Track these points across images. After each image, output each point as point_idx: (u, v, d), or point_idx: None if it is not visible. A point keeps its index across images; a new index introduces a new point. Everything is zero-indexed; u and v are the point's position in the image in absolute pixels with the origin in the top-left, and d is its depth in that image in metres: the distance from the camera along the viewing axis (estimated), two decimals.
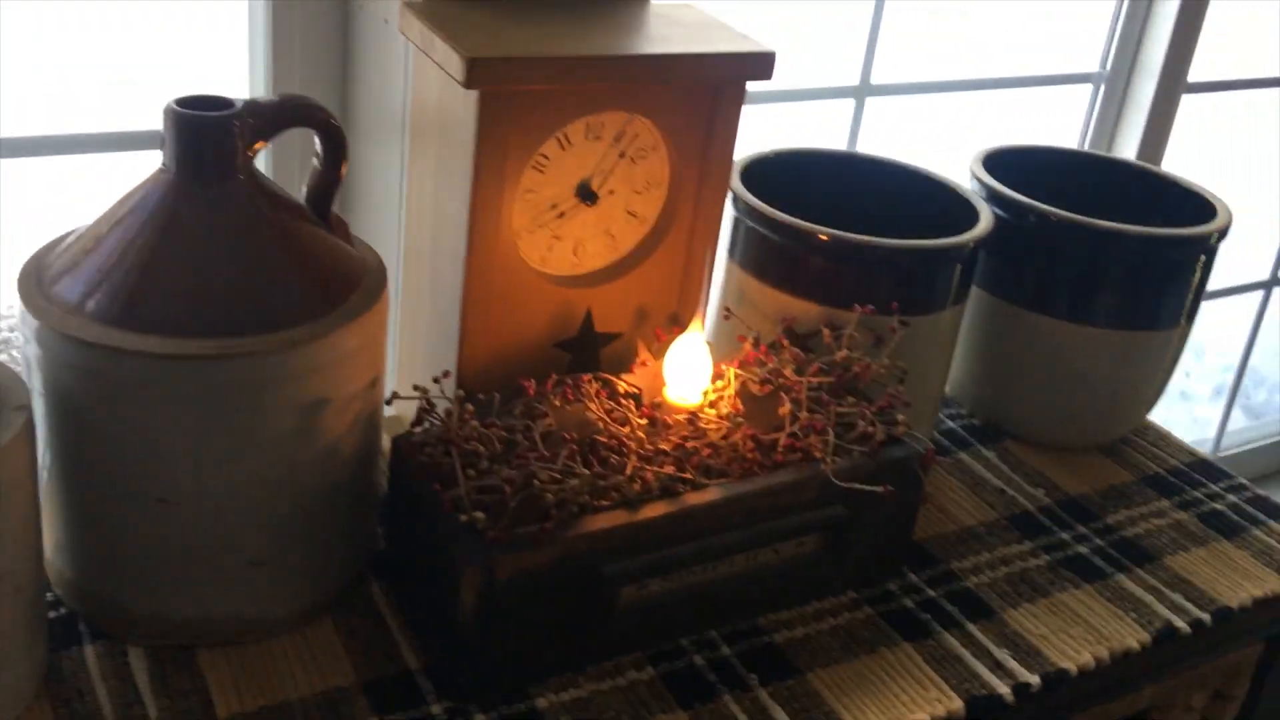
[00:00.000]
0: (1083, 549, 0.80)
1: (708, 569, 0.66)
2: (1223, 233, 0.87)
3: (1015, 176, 0.92)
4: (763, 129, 1.29)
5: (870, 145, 1.17)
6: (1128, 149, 1.31)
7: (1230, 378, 2.07)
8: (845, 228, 0.78)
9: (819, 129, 1.27)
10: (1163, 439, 0.94)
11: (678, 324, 0.77)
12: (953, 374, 0.95)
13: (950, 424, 0.93)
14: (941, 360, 0.84)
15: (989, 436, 0.92)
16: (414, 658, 0.64)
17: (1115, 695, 0.74)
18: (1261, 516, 0.86)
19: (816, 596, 0.72)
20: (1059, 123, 1.39)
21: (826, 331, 0.75)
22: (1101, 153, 0.99)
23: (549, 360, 0.75)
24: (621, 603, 0.63)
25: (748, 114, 1.19)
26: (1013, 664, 0.69)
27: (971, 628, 0.71)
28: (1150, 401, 0.93)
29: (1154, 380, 0.91)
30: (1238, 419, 1.68)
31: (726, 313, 0.81)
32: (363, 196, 0.85)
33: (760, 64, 0.71)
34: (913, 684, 0.67)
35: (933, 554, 0.78)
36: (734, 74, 0.71)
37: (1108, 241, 0.85)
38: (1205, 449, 1.58)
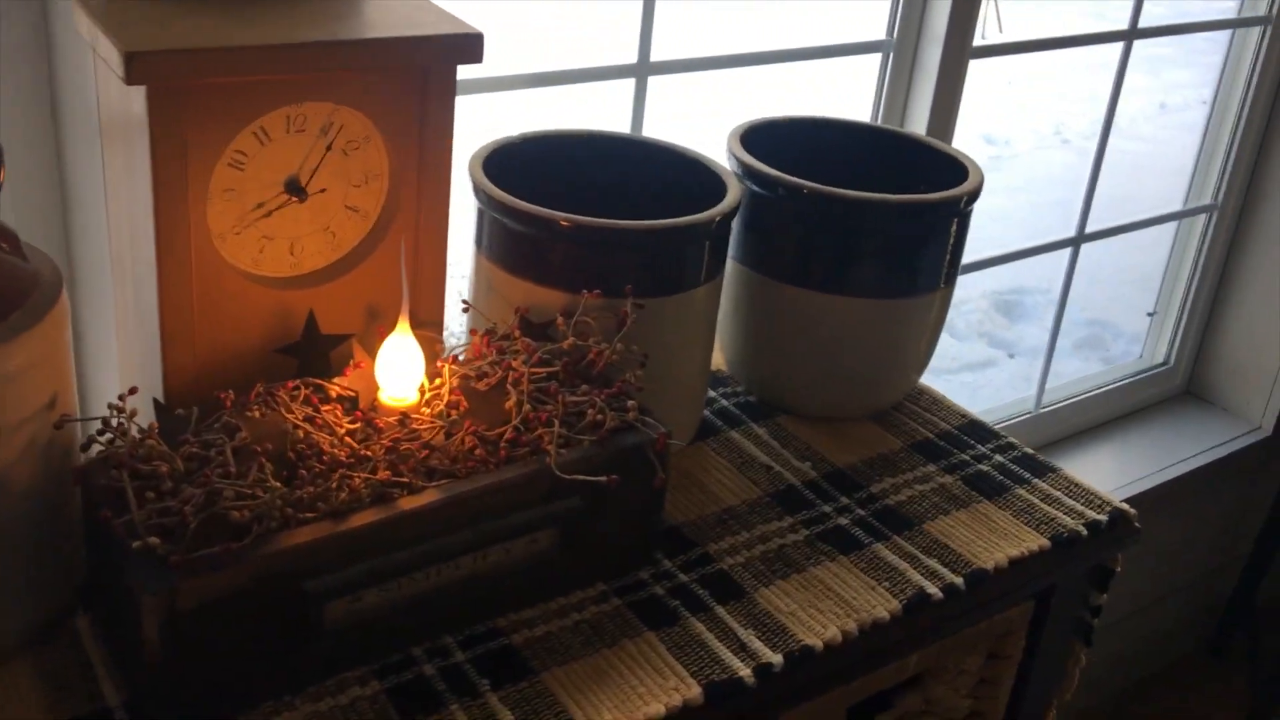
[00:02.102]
0: (843, 520, 0.80)
1: (431, 575, 0.63)
2: (973, 195, 0.87)
3: (779, 150, 0.91)
4: (546, 114, 1.27)
5: (658, 127, 1.15)
6: (919, 117, 1.32)
7: (1092, 331, 2.12)
8: (599, 211, 0.76)
9: (608, 112, 1.25)
10: (936, 403, 0.95)
11: (414, 322, 0.74)
12: (728, 352, 0.95)
13: (724, 402, 0.92)
14: (701, 338, 0.83)
15: (762, 413, 0.91)
16: (115, 694, 0.60)
17: (875, 666, 0.74)
18: (1026, 475, 0.87)
19: (561, 592, 0.70)
20: (856, 94, 1.40)
21: (560, 319, 0.73)
22: (863, 120, 0.99)
23: (274, 368, 0.71)
24: (332, 618, 0.60)
25: (527, 100, 1.16)
26: (757, 645, 0.68)
27: (720, 611, 0.70)
28: (918, 367, 0.93)
29: (919, 345, 0.91)
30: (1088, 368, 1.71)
31: (465, 305, 0.78)
32: (79, 205, 0.81)
33: (468, 46, 0.69)
34: (652, 675, 0.65)
35: (689, 538, 0.76)
36: (439, 57, 0.68)
37: (858, 211, 0.84)
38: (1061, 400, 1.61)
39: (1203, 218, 1.70)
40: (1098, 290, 2.18)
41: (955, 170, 0.91)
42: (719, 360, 0.95)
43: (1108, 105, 1.52)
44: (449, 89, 0.70)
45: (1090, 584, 0.87)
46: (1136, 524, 0.85)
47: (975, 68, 1.35)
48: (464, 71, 1.04)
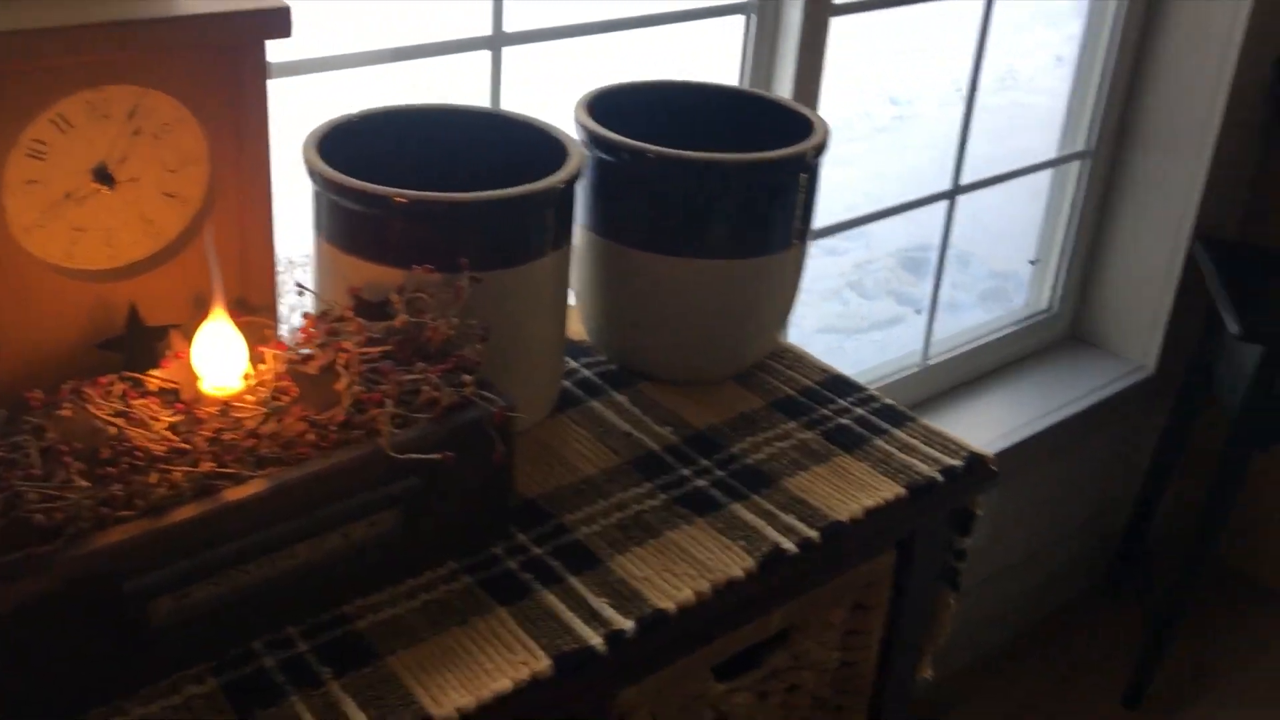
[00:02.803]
0: (702, 483, 0.80)
1: (264, 566, 0.62)
2: (818, 150, 0.87)
3: (631, 117, 0.90)
4: (408, 92, 1.24)
5: (522, 102, 1.13)
6: (785, 79, 1.32)
7: (996, 284, 2.15)
8: (446, 187, 0.75)
9: (476, 89, 1.23)
10: (799, 360, 0.95)
11: (245, 308, 0.73)
12: (587, 321, 0.94)
13: (586, 373, 0.91)
14: (551, 309, 0.82)
15: (624, 381, 0.90)
16: None
17: (735, 625, 0.74)
18: (885, 425, 0.88)
19: (408, 574, 0.69)
20: (723, 60, 1.39)
21: (395, 297, 0.72)
22: (710, 82, 0.98)
23: (100, 364, 0.69)
24: (159, 617, 0.58)
25: (379, 76, 1.14)
26: (610, 613, 0.68)
27: (574, 582, 0.70)
28: (777, 324, 0.93)
29: (776, 303, 0.91)
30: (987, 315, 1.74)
31: (300, 290, 0.76)
32: None
33: (274, 21, 0.67)
34: (501, 650, 0.64)
35: (545, 510, 0.76)
36: (245, 33, 0.66)
37: (703, 173, 0.84)
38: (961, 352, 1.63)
39: (1077, 165, 1.73)
40: (1005, 244, 2.21)
41: (805, 127, 0.91)
42: (580, 330, 0.94)
43: (973, 61, 1.53)
44: (259, 66, 0.68)
45: (953, 529, 0.88)
46: (993, 467, 0.86)
47: (877, 30, 1.35)
48: (313, 49, 1.02)
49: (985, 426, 1.60)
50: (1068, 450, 1.72)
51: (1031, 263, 1.80)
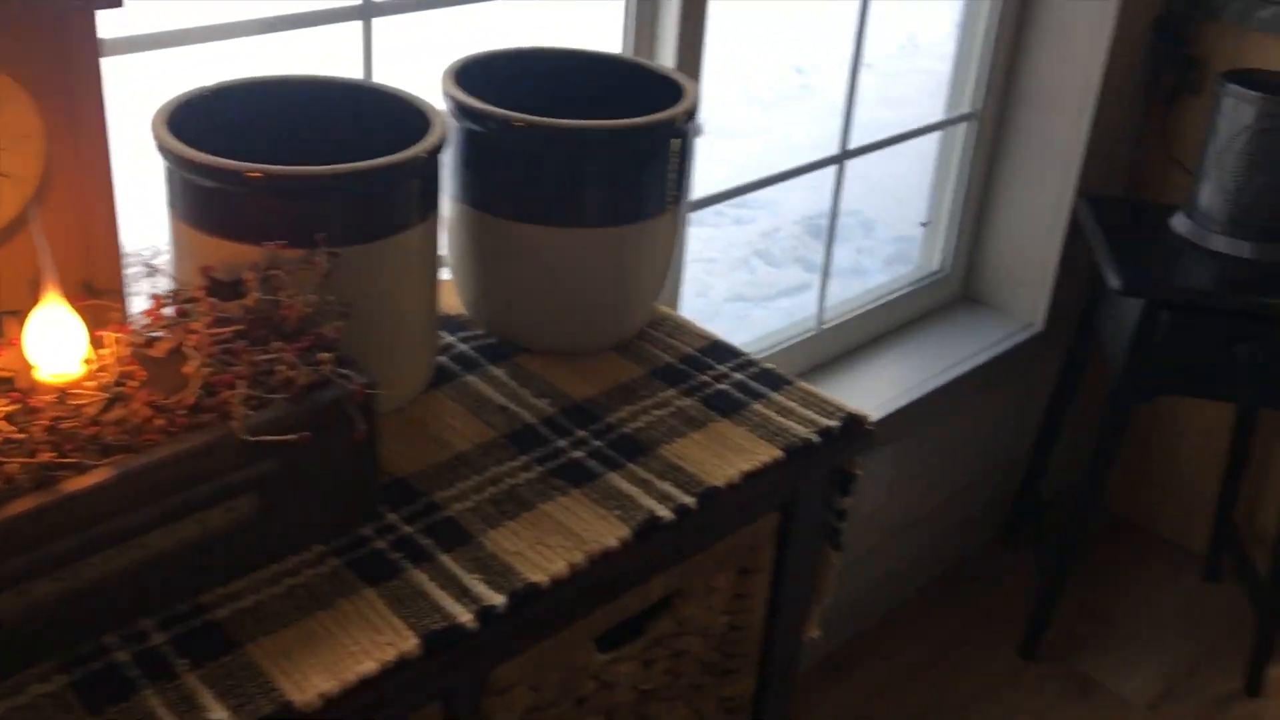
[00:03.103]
0: (579, 454, 0.79)
1: (113, 558, 0.60)
2: (689, 114, 0.87)
3: (503, 86, 0.88)
4: (278, 64, 1.20)
5: (398, 77, 1.10)
6: (667, 47, 1.31)
7: (899, 248, 2.16)
8: (308, 161, 0.72)
9: (344, 59, 1.20)
10: (679, 328, 0.95)
11: (90, 292, 0.70)
12: (463, 294, 0.92)
13: (462, 347, 0.90)
14: (420, 282, 0.81)
15: (501, 354, 0.89)
16: None
17: (613, 595, 0.74)
18: (764, 390, 0.88)
19: (272, 559, 0.67)
20: (610, 31, 1.37)
21: (249, 275, 0.69)
22: (579, 48, 0.97)
23: None
24: None
25: (251, 49, 1.10)
26: (481, 589, 0.67)
27: (445, 559, 0.69)
28: (655, 291, 0.93)
29: (653, 270, 0.91)
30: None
31: (148, 269, 0.74)
32: None
33: None
34: (368, 632, 0.63)
35: (417, 488, 0.74)
36: (71, 4, 0.63)
37: (572, 140, 0.83)
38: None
39: (964, 127, 1.75)
40: (906, 208, 2.24)
41: (677, 92, 0.90)
42: (457, 304, 0.93)
43: (855, 28, 1.54)
44: (90, 37, 0.65)
45: (834, 489, 0.88)
46: (869, 426, 0.87)
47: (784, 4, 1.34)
48: (180, 20, 0.98)
49: (881, 387, 1.62)
50: (963, 407, 1.76)
51: (923, 225, 1.82)
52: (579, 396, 0.85)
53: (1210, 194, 1.53)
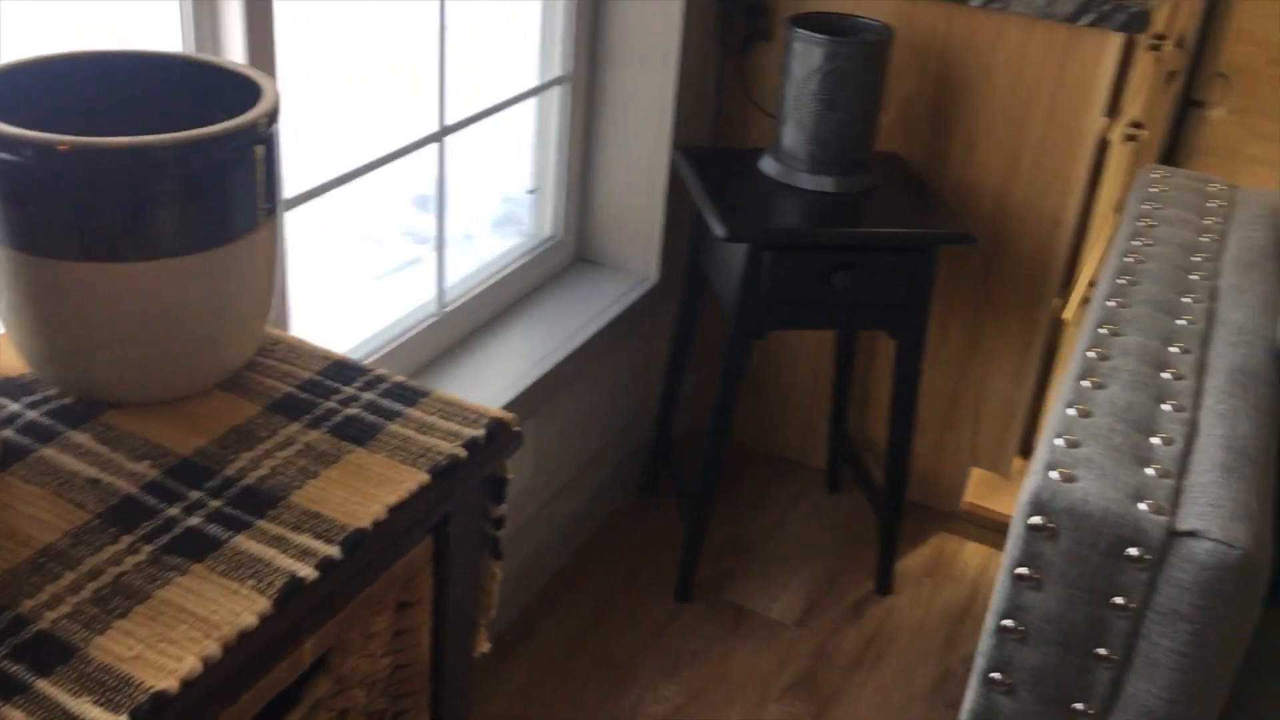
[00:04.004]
0: (195, 520, 0.69)
1: None
2: (271, 117, 0.78)
3: (40, 100, 0.75)
4: None
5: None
6: (234, 40, 1.18)
7: (507, 209, 2.11)
8: None
9: None
10: (294, 350, 0.86)
11: None
12: (26, 352, 0.78)
13: (31, 414, 0.76)
14: None
15: (84, 416, 0.76)
16: None
17: (259, 675, 0.65)
18: (399, 407, 0.81)
19: None
20: (165, 30, 1.22)
21: None
22: (136, 48, 0.85)
23: None
24: None
25: None
26: (96, 713, 0.56)
27: (43, 686, 0.57)
28: (260, 315, 0.83)
29: (254, 293, 0.81)
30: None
31: None
32: None
33: None
34: None
35: None
36: None
37: (138, 160, 0.71)
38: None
39: (559, 90, 1.74)
40: (512, 174, 2.21)
41: (254, 92, 0.80)
42: (17, 364, 0.79)
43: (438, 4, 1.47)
44: None
45: (487, 497, 0.84)
46: (516, 429, 0.83)
47: None
48: None
49: (511, 364, 1.60)
50: (593, 369, 1.77)
51: (530, 192, 1.80)
52: (186, 450, 0.74)
53: (792, 135, 1.62)
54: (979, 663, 1.00)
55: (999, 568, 1.86)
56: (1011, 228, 1.79)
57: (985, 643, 0.99)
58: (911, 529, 1.98)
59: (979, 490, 2.06)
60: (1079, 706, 0.97)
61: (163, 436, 0.75)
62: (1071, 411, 1.02)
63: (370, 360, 1.41)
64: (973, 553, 1.95)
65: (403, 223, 2.78)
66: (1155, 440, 0.99)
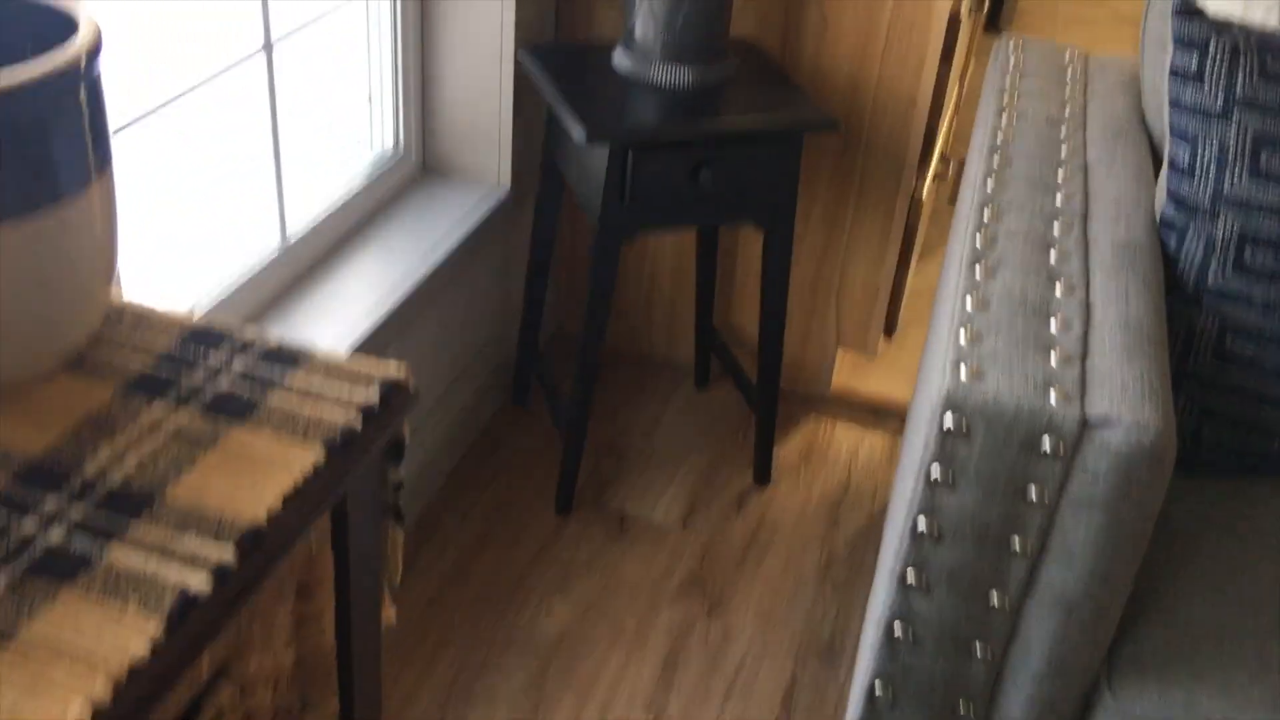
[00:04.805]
0: (56, 534, 0.59)
1: None
2: (94, 50, 0.65)
3: None
4: None
5: None
6: None
7: (345, 124, 1.96)
8: None
9: None
10: (143, 320, 0.75)
11: None
12: None
13: None
14: None
15: None
16: None
17: (154, 702, 0.57)
18: (276, 375, 0.72)
19: None
20: None
21: None
22: None
23: None
24: None
25: None
26: None
27: None
28: (103, 281, 0.72)
29: (91, 258, 0.70)
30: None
31: None
32: None
33: None
34: None
35: None
36: None
37: None
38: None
39: None
40: (345, 84, 2.05)
41: (68, 26, 0.68)
42: None
43: None
44: None
45: (387, 462, 0.77)
46: (411, 389, 0.75)
47: None
48: None
49: (366, 292, 1.49)
50: (452, 286, 1.68)
51: (367, 102, 1.67)
52: (35, 450, 0.64)
53: (644, 25, 1.53)
54: (894, 565, 0.99)
55: (872, 448, 1.89)
56: (868, 110, 1.76)
57: (899, 545, 0.98)
58: (783, 417, 1.98)
59: (846, 372, 2.07)
60: (995, 596, 0.97)
61: (5, 436, 0.64)
62: (969, 302, 1.00)
63: (209, 310, 1.28)
64: (845, 434, 1.97)
65: (230, 151, 2.57)
66: (1053, 326, 0.98)
